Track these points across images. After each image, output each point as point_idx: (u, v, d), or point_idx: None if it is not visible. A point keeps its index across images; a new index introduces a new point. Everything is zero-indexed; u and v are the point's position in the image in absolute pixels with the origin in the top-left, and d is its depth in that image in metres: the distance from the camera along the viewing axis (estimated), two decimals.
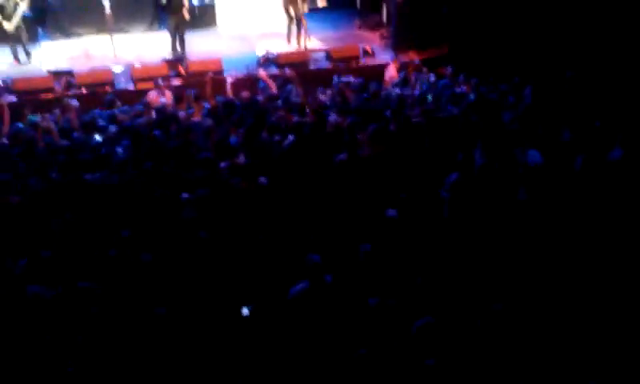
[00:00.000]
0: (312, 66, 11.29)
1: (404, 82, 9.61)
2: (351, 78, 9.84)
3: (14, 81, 9.82)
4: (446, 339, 3.70)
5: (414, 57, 10.81)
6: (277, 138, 6.82)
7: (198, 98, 8.97)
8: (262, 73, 9.77)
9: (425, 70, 10.23)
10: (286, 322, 4.20)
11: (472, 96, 8.34)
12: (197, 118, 8.09)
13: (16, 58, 11.34)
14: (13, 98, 9.43)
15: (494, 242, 4.67)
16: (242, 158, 6.37)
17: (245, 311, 4.32)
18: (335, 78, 10.02)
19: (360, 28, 13.86)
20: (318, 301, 4.26)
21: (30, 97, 9.52)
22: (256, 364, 3.88)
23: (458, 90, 8.80)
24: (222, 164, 6.15)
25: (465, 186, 5.34)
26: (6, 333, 4.10)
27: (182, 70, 10.58)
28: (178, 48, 11.63)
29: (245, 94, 8.99)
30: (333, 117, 7.56)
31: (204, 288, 4.51)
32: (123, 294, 4.44)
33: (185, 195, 5.57)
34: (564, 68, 9.03)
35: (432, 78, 9.78)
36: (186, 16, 11.50)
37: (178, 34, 11.60)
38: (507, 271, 4.36)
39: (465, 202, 5.17)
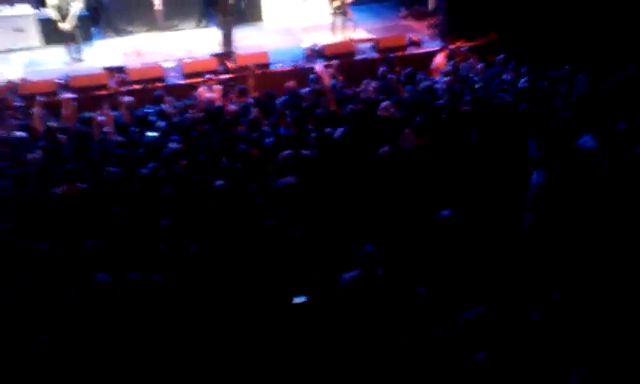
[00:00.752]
0: (358, 57, 11.25)
1: (453, 71, 9.47)
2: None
3: (71, 78, 10.16)
4: (498, 331, 3.65)
5: (462, 45, 10.65)
6: (327, 129, 6.82)
7: (245, 92, 9.10)
8: (317, 67, 9.79)
9: (474, 58, 10.06)
10: (338, 310, 4.23)
11: (523, 83, 8.16)
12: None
13: (72, 56, 11.77)
14: (71, 95, 9.78)
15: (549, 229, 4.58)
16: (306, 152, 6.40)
17: (298, 300, 4.37)
18: (381, 69, 9.97)
19: (406, 18, 13.76)
20: (370, 290, 4.27)
21: (86, 93, 9.83)
22: (308, 352, 3.93)
23: (507, 77, 8.62)
24: (283, 154, 6.16)
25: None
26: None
27: (230, 64, 10.73)
28: (227, 43, 11.78)
29: (290, 84, 9.05)
30: (385, 104, 7.55)
31: (259, 278, 4.59)
32: (179, 285, 4.57)
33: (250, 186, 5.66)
34: (619, 59, 8.72)
35: (481, 66, 9.61)
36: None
37: (227, 30, 11.76)
38: (563, 259, 4.28)
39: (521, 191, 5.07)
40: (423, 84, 8.83)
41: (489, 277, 4.19)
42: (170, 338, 4.11)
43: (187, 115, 8.14)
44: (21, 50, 12.50)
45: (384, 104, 7.65)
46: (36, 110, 8.44)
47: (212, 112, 8.08)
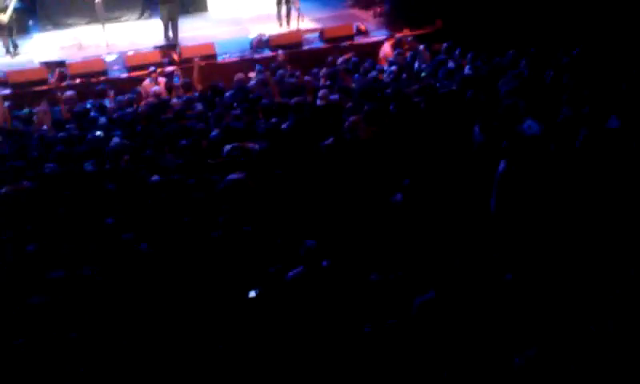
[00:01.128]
0: (305, 47, 11.20)
1: (399, 60, 9.54)
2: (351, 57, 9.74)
3: (8, 74, 9.75)
4: (449, 315, 3.69)
5: (408, 33, 10.73)
6: (273, 120, 6.76)
7: (190, 85, 8.94)
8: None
9: (420, 46, 10.15)
10: (286, 304, 4.21)
11: (467, 70, 8.29)
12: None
13: (8, 50, 11.30)
14: (7, 91, 9.39)
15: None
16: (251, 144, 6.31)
17: (252, 293, 4.32)
18: (329, 58, 9.95)
19: (352, 7, 13.77)
20: (315, 284, 4.26)
21: (24, 89, 9.45)
22: (262, 346, 3.90)
23: (452, 65, 8.74)
24: (227, 147, 6.06)
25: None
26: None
27: (175, 56, 10.50)
28: (171, 35, 11.53)
29: (238, 76, 8.93)
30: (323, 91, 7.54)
31: (207, 274, 4.52)
32: (124, 282, 4.45)
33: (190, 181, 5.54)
34: (561, 42, 8.97)
35: (426, 54, 9.71)
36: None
37: (170, 21, 11.51)
38: (510, 241, 4.36)
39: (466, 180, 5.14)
40: (370, 73, 8.88)
41: (439, 261, 4.23)
42: (119, 334, 4.03)
43: (129, 109, 7.93)
44: None
45: (322, 92, 7.65)
46: None
47: (156, 106, 7.88)
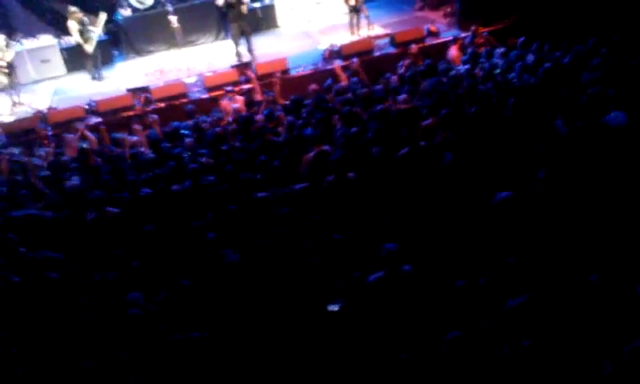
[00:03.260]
0: (377, 53, 11.24)
1: (473, 58, 9.40)
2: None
3: (98, 103, 10.38)
4: (542, 318, 3.62)
5: (481, 30, 10.54)
6: (354, 129, 6.84)
7: (273, 100, 9.22)
8: (335, 65, 9.85)
9: (493, 42, 9.96)
10: (367, 311, 4.25)
11: (547, 63, 8.05)
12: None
13: (94, 78, 12.15)
14: (98, 119, 10.01)
15: (586, 212, 4.51)
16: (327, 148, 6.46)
17: (333, 307, 4.39)
18: (400, 64, 9.95)
19: (421, 9, 13.70)
20: (396, 289, 4.27)
21: (114, 116, 10.04)
22: (345, 356, 3.96)
23: (529, 58, 8.51)
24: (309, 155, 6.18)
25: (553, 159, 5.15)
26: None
27: (250, 73, 10.81)
28: (247, 52, 11.91)
29: (312, 87, 9.10)
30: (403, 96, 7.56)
31: (291, 284, 4.63)
32: (216, 293, 4.64)
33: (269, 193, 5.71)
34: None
35: (501, 50, 9.49)
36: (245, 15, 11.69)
37: (244, 38, 11.90)
38: (601, 241, 4.21)
39: (555, 173, 5.00)
40: (445, 74, 8.81)
41: (529, 264, 4.16)
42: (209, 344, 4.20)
43: (217, 128, 8.26)
44: (46, 79, 12.85)
45: (402, 96, 7.67)
46: (69, 137, 8.65)
47: (242, 122, 8.17)
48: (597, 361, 3.31)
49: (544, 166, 5.09)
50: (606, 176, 4.86)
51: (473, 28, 10.48)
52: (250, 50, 11.93)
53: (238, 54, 11.92)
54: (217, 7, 11.85)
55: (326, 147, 6.45)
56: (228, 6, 11.50)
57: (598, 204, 4.61)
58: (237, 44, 11.89)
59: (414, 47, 10.26)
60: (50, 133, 9.68)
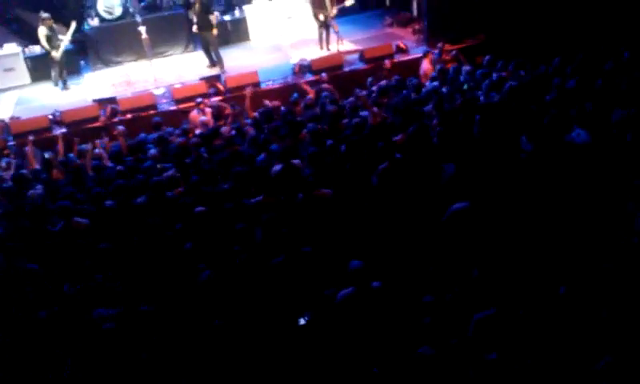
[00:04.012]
0: (346, 69, 11.31)
1: (441, 75, 9.52)
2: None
3: (63, 113, 10.18)
4: (509, 331, 3.64)
5: (449, 48, 10.70)
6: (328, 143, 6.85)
7: (242, 113, 9.17)
8: (301, 81, 9.89)
9: (461, 60, 10.12)
10: (336, 327, 4.23)
11: (511, 81, 8.20)
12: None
13: (56, 84, 12.02)
14: (63, 130, 9.81)
15: (548, 225, 4.58)
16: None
17: (302, 321, 4.37)
18: (369, 79, 10.02)
19: (391, 26, 13.86)
20: (366, 306, 4.26)
21: (79, 127, 9.85)
22: (313, 370, 3.93)
23: (495, 76, 8.66)
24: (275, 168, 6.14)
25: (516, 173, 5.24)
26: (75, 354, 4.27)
27: (220, 86, 10.77)
28: (216, 65, 11.90)
29: (276, 103, 9.12)
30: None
31: (259, 299, 4.58)
32: (182, 311, 4.56)
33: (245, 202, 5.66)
34: (605, 46, 8.81)
35: (467, 68, 9.64)
36: (214, 33, 11.81)
37: (212, 51, 11.89)
38: (567, 253, 4.27)
39: (517, 187, 5.07)
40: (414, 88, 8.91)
41: (494, 278, 4.19)
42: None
43: (180, 139, 8.17)
44: (10, 88, 12.57)
45: (374, 110, 7.73)
46: (29, 148, 8.47)
47: (207, 135, 8.10)
48: (566, 375, 3.34)
49: (508, 180, 5.17)
50: (570, 191, 4.95)
51: (439, 45, 10.64)
52: (217, 58, 12.02)
53: (211, 60, 12.10)
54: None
55: (296, 161, 6.44)
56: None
57: (563, 216, 4.69)
58: (209, 55, 12.03)
59: (387, 62, 10.35)
60: (11, 143, 9.47)
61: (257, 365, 4.03)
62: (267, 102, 9.05)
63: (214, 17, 11.80)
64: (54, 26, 11.69)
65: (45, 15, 11.49)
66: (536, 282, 4.10)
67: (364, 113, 7.94)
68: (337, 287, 4.51)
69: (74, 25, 12.01)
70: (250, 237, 5.27)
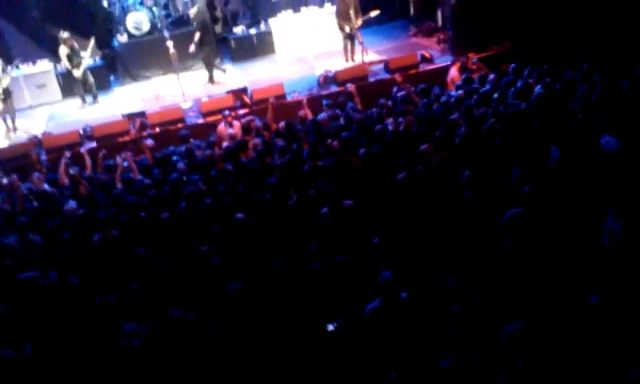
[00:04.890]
0: (371, 79, 11.34)
1: (467, 83, 9.49)
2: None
3: (93, 128, 10.40)
4: (539, 342, 3.59)
5: (474, 56, 10.67)
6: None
7: (267, 126, 9.26)
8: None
9: (486, 69, 10.08)
10: (364, 337, 4.23)
11: (538, 88, 8.14)
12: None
13: (84, 100, 12.30)
14: (93, 144, 10.02)
15: (580, 235, 4.52)
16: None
17: (330, 327, 4.38)
18: (395, 89, 10.03)
19: (415, 35, 13.88)
20: (393, 317, 4.26)
21: (109, 141, 10.06)
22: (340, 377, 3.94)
23: (521, 84, 8.60)
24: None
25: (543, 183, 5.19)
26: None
27: (246, 98, 10.89)
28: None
29: (302, 113, 9.18)
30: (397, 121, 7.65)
31: (288, 307, 4.62)
32: (213, 320, 4.61)
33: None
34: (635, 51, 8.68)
35: (492, 76, 9.59)
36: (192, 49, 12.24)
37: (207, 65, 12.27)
38: (597, 263, 4.21)
39: (546, 197, 5.02)
40: (437, 97, 8.90)
41: (523, 290, 4.15)
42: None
43: (207, 152, 8.28)
44: (42, 104, 12.90)
45: (401, 120, 7.74)
46: (62, 163, 8.66)
47: (235, 147, 8.21)
48: None
49: (538, 189, 5.12)
50: (601, 199, 4.88)
51: (464, 56, 10.63)
52: (210, 76, 12.36)
53: (211, 78, 12.40)
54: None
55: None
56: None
57: (593, 227, 4.62)
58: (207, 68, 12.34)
59: (398, 76, 10.37)
60: (44, 158, 9.70)
61: (283, 369, 4.05)
62: (303, 112, 9.08)
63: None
64: (75, 44, 11.99)
65: (65, 35, 11.79)
66: (566, 291, 4.05)
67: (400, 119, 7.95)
68: (366, 296, 4.52)
69: (92, 41, 12.31)
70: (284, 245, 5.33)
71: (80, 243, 6.08)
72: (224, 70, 12.68)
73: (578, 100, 7.25)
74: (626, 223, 4.27)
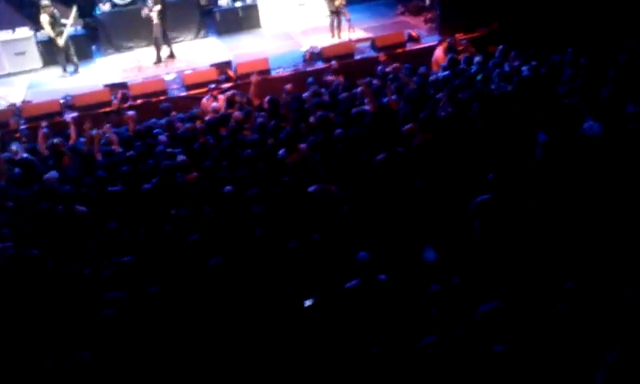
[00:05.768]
0: (357, 57, 11.26)
1: (452, 64, 9.45)
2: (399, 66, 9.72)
3: (74, 97, 10.22)
4: (516, 323, 3.62)
5: (461, 37, 10.62)
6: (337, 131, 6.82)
7: (249, 100, 9.16)
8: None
9: (473, 49, 10.05)
10: (343, 314, 4.24)
11: (525, 71, 8.14)
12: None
13: (65, 70, 12.04)
14: (74, 114, 9.86)
15: (564, 219, 4.54)
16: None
17: (307, 302, 4.38)
18: (379, 67, 9.96)
19: (403, 14, 13.78)
20: (372, 297, 4.27)
21: (90, 111, 9.88)
22: (317, 353, 3.95)
23: (508, 67, 8.60)
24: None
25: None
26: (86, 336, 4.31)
27: (230, 73, 10.75)
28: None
29: (288, 87, 9.09)
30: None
31: (266, 283, 4.60)
32: (189, 294, 4.59)
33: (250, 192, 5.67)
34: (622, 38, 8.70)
35: (479, 58, 9.56)
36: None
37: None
38: (578, 248, 4.24)
39: (531, 179, 5.03)
40: (423, 77, 8.85)
41: (501, 270, 4.17)
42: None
43: (188, 125, 8.18)
44: (22, 72, 12.63)
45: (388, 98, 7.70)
46: (41, 132, 8.49)
47: (216, 121, 8.11)
48: (574, 369, 3.32)
49: (523, 173, 5.14)
50: (584, 183, 4.90)
51: (451, 37, 10.57)
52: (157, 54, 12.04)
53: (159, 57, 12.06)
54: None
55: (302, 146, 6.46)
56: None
57: (576, 211, 4.65)
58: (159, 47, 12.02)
59: (381, 55, 10.30)
60: (23, 127, 9.52)
61: (260, 346, 4.05)
62: (287, 87, 9.03)
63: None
64: (56, 11, 11.69)
65: (45, 2, 11.47)
66: (546, 276, 4.08)
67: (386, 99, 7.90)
68: (343, 276, 4.52)
69: (75, 10, 12.04)
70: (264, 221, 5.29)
71: (56, 214, 5.97)
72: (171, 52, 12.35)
73: (563, 84, 7.26)
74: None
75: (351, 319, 4.18)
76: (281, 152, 6.51)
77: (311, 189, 5.60)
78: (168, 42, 12.23)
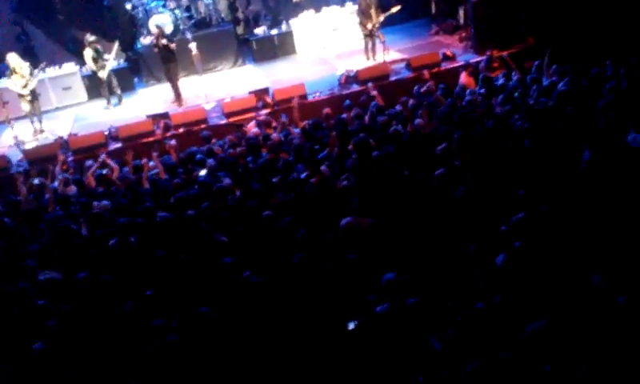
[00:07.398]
0: (393, 78, 11.31)
1: (486, 84, 9.39)
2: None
3: (118, 129, 10.54)
4: (563, 341, 3.56)
5: (497, 54, 10.57)
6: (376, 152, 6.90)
7: (290, 123, 9.32)
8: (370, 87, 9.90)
9: (510, 65, 9.97)
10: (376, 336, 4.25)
11: (562, 86, 8.04)
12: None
13: (108, 102, 12.46)
14: (118, 144, 10.16)
15: (611, 232, 4.47)
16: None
17: (351, 325, 4.40)
18: (416, 87, 9.97)
19: (437, 34, 13.82)
20: (400, 321, 4.25)
21: (133, 142, 10.19)
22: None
23: (546, 82, 8.51)
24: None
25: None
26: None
27: (268, 99, 10.93)
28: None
29: (326, 111, 9.20)
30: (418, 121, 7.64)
31: (307, 306, 4.64)
32: (237, 317, 4.66)
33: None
34: None
35: (516, 75, 9.48)
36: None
37: (170, 80, 12.09)
38: (627, 262, 4.16)
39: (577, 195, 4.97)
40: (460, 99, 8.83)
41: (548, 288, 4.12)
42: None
43: (230, 151, 8.35)
44: (68, 106, 13.13)
45: (418, 121, 7.71)
46: (92, 167, 8.76)
47: (252, 144, 8.27)
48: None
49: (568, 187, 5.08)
50: (631, 196, 4.82)
51: (488, 53, 10.52)
52: (175, 92, 12.06)
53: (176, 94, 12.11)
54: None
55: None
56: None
57: (622, 227, 4.56)
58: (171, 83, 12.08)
59: (425, 72, 10.33)
60: (70, 159, 9.85)
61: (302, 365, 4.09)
62: (326, 111, 9.15)
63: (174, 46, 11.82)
64: (99, 46, 12.17)
65: (91, 38, 11.99)
66: (594, 291, 4.01)
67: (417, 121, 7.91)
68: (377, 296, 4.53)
69: (116, 44, 12.49)
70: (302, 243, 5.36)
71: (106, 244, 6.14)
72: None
73: (603, 97, 7.15)
74: None
75: (389, 343, 4.18)
76: (303, 175, 6.61)
77: (343, 222, 5.64)
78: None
